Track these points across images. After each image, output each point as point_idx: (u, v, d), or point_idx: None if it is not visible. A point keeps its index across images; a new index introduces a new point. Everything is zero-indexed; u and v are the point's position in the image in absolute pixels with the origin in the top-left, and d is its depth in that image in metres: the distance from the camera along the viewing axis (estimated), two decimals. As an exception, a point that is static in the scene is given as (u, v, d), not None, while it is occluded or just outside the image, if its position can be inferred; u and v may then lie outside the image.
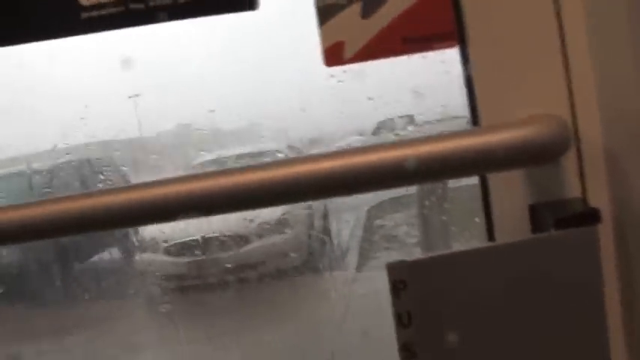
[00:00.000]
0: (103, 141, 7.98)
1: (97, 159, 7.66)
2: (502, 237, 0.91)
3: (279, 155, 7.86)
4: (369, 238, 7.35)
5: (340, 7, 0.93)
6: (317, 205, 7.25)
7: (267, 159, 7.85)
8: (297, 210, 7.00)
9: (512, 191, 0.90)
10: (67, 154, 7.62)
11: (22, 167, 7.43)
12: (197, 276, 6.44)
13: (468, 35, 0.89)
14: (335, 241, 7.61)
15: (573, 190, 0.90)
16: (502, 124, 0.81)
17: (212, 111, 8.39)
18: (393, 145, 0.83)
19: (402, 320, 0.76)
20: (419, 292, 0.76)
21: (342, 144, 12.59)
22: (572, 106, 0.88)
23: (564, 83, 0.88)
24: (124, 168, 7.70)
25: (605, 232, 0.86)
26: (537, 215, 0.89)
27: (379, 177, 0.82)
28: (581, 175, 0.89)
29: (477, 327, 0.79)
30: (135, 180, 7.90)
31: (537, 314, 0.80)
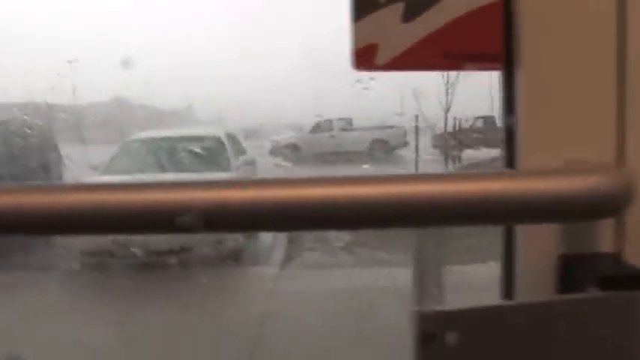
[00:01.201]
0: (30, 103, 7.59)
1: (23, 119, 7.28)
2: (525, 286, 0.82)
3: (216, 140, 7.67)
4: (297, 237, 7.26)
5: (378, 5, 0.82)
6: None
7: (206, 144, 7.65)
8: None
9: (542, 239, 0.81)
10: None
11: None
12: (120, 255, 6.19)
13: (520, 59, 0.79)
14: (262, 237, 7.48)
15: (608, 244, 0.82)
16: (562, 169, 0.72)
17: (153, 88, 8.10)
18: (424, 178, 0.73)
19: (426, 374, 0.66)
20: (449, 345, 0.66)
21: (277, 137, 12.47)
22: (622, 152, 0.80)
23: (616, 127, 0.80)
24: (51, 133, 7.35)
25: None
26: (568, 268, 0.80)
27: (395, 214, 0.71)
28: (620, 230, 0.81)
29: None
30: (63, 147, 7.55)
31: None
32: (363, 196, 0.70)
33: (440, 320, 0.67)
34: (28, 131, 7.08)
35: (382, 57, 0.82)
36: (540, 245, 0.81)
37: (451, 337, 0.66)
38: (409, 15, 0.82)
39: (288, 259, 7.24)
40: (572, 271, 0.80)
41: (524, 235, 0.83)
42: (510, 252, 0.85)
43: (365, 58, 0.82)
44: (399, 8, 0.82)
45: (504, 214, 0.72)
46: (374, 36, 0.82)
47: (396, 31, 0.82)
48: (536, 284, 0.82)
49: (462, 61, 0.82)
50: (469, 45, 0.82)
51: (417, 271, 1.14)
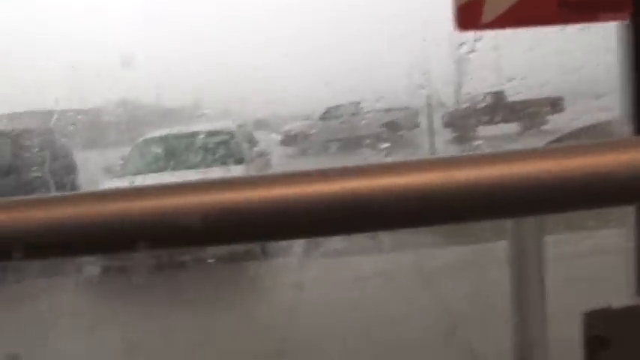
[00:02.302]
0: (41, 111, 7.52)
1: (34, 129, 7.21)
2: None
3: (230, 135, 7.56)
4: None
5: (479, -46, 0.70)
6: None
7: (218, 138, 7.54)
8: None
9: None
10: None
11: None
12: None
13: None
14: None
15: None
16: None
17: (158, 86, 8.01)
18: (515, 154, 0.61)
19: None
20: (624, 350, 0.55)
21: (288, 127, 12.35)
22: None
23: None
24: (63, 139, 7.28)
25: None
26: None
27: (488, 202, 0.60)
28: None
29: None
30: (76, 152, 7.46)
31: None
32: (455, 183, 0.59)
33: (607, 321, 0.55)
34: (38, 139, 7.00)
35: (489, 13, 0.71)
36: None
37: (627, 341, 0.55)
38: (516, -38, 0.70)
39: (311, 247, 7.14)
40: None
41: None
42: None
43: (470, 16, 0.71)
44: (504, -45, 0.70)
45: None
46: (477, -10, 0.71)
47: (502, -18, 0.70)
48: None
49: (580, 12, 0.71)
50: (588, -8, 0.71)
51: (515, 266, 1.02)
